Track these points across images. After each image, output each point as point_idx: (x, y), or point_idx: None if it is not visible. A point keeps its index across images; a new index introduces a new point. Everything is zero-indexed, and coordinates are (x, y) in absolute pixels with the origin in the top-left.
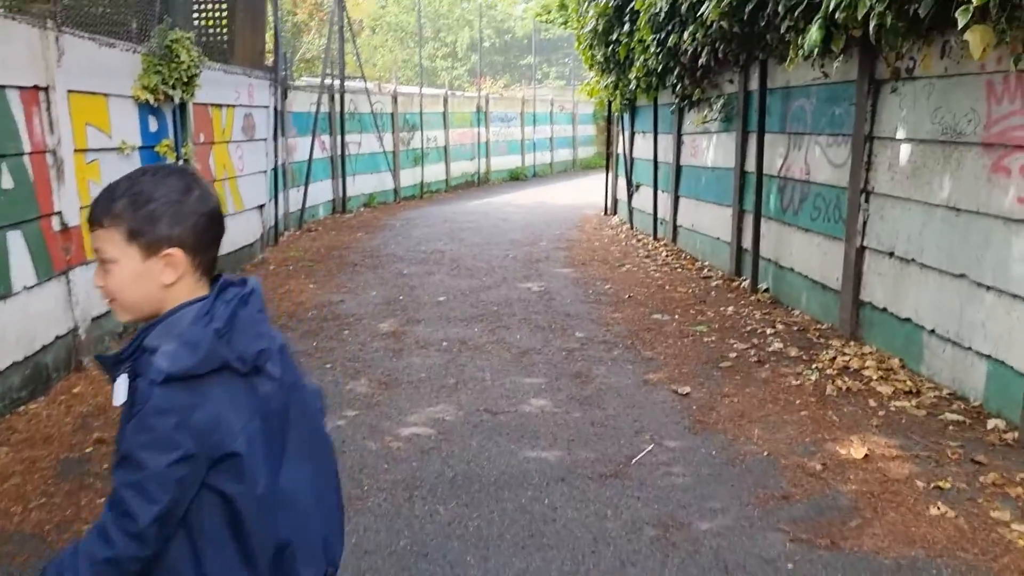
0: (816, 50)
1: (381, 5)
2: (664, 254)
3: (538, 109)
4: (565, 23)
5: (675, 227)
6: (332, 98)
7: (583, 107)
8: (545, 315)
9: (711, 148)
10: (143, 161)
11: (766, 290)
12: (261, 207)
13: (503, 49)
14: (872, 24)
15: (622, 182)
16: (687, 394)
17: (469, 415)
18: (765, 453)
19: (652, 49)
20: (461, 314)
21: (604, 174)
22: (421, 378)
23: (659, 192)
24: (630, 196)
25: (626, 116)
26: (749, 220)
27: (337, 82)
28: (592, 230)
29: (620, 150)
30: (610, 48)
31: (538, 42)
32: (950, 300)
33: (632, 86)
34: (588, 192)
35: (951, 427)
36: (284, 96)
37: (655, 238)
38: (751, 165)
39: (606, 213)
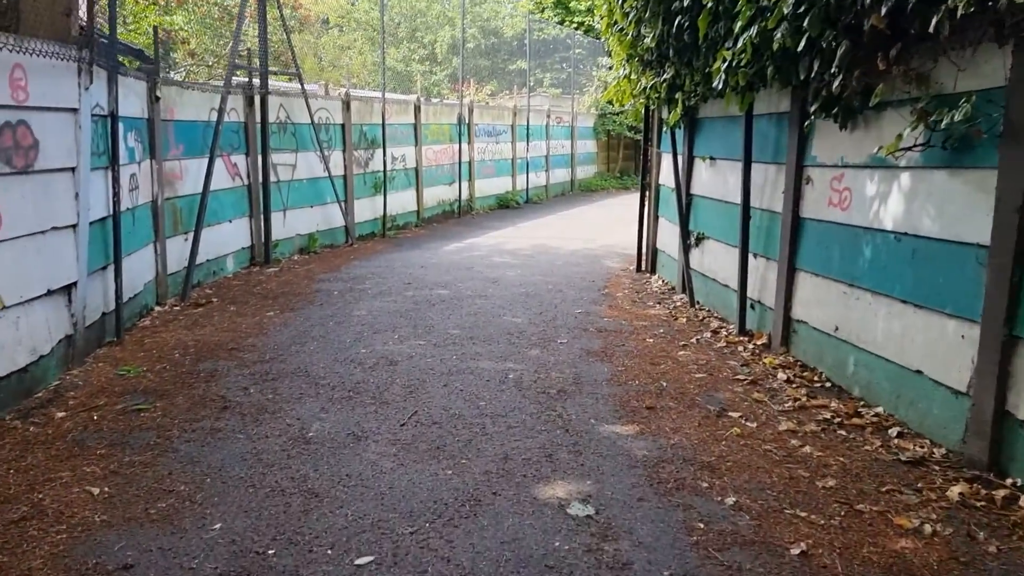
0: None
1: (350, 1)
2: (783, 376)
3: (532, 121)
4: (562, 21)
5: (789, 322)
6: (251, 102)
7: (582, 119)
8: None
9: (902, 197)
10: None
11: None
12: (68, 290)
13: (489, 52)
14: None
15: (668, 227)
16: None
17: None
18: None
19: (785, 10)
20: None
21: (613, 201)
22: None
23: (751, 257)
24: (686, 251)
25: (679, 132)
26: None
27: (258, 80)
28: (630, 305)
29: (664, 180)
30: (675, 23)
31: (531, 43)
32: None
33: (716, 83)
34: (601, 228)
35: None
36: (154, 96)
37: (743, 332)
38: None
39: (640, 269)
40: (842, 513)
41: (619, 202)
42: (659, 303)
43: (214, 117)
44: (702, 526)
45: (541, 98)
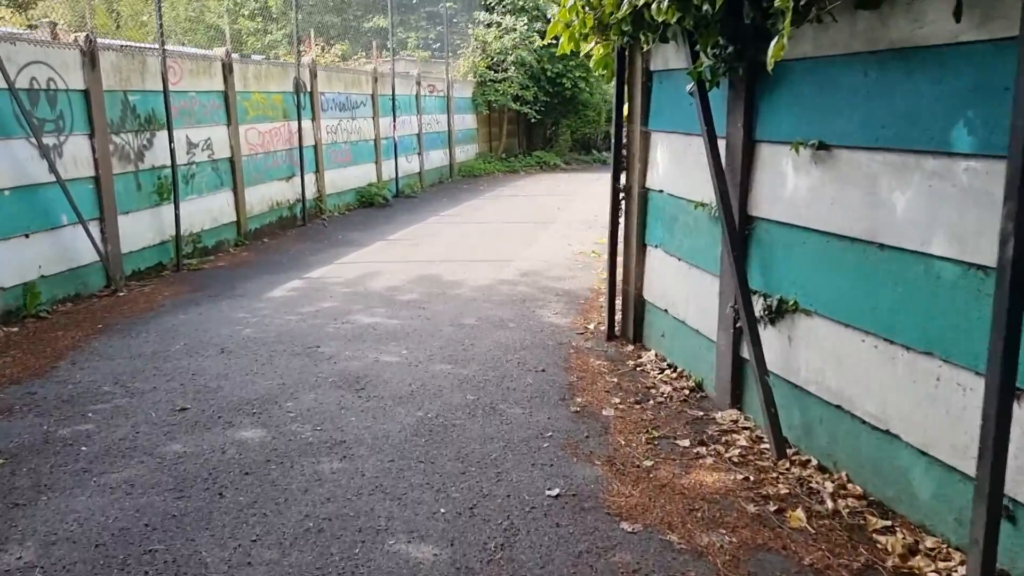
0: None
1: None
2: None
3: (399, 89)
4: None
5: None
6: None
7: (459, 88)
8: None
9: None
10: None
11: None
12: None
13: (339, 7)
14: None
15: (669, 264)
16: None
17: None
18: None
19: None
20: None
21: (506, 190)
22: None
23: (1015, 400)
24: (752, 330)
25: (723, 95)
26: None
27: None
28: (647, 453)
29: (657, 183)
30: None
31: None
32: None
33: None
34: (511, 238)
35: None
36: None
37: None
38: None
39: (614, 335)
40: None
41: (515, 192)
42: (701, 442)
43: None
44: None
45: (407, 63)
